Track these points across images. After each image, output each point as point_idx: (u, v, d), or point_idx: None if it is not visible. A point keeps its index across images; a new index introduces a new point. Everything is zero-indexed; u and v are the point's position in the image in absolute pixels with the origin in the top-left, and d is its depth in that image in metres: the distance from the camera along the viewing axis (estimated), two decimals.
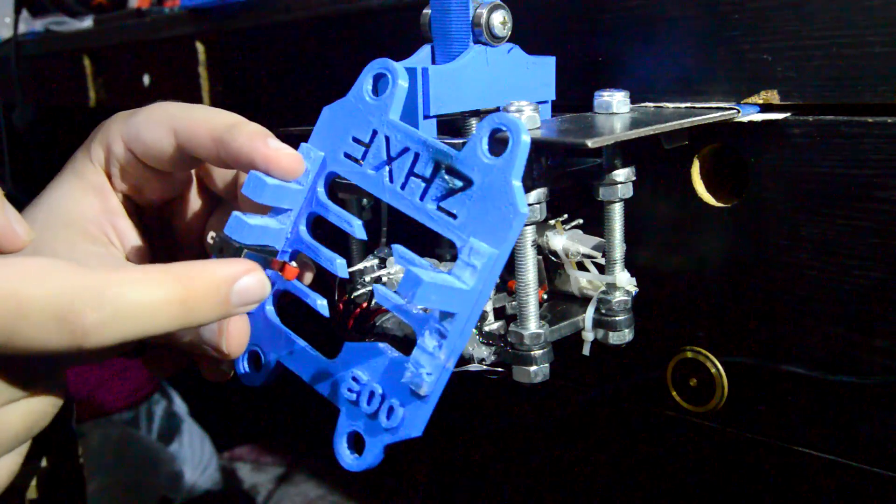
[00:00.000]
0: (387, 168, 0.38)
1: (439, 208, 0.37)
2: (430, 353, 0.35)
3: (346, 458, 0.37)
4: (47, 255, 0.30)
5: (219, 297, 0.32)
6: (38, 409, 0.33)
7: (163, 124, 0.41)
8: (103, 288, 0.29)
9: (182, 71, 0.92)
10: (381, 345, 0.37)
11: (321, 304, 0.39)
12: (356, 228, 0.39)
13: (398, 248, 0.36)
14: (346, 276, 0.40)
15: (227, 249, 0.38)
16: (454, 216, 0.36)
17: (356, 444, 0.37)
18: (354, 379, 0.37)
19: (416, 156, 0.38)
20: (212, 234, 0.40)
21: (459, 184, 0.36)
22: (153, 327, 0.30)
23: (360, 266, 0.51)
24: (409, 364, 0.35)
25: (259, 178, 0.39)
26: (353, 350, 0.38)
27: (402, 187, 0.38)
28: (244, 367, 0.42)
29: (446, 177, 0.37)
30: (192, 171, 0.47)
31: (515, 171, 0.35)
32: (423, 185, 0.37)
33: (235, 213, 0.39)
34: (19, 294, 0.28)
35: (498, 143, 0.36)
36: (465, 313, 0.34)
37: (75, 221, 0.43)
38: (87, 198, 0.44)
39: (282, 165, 0.39)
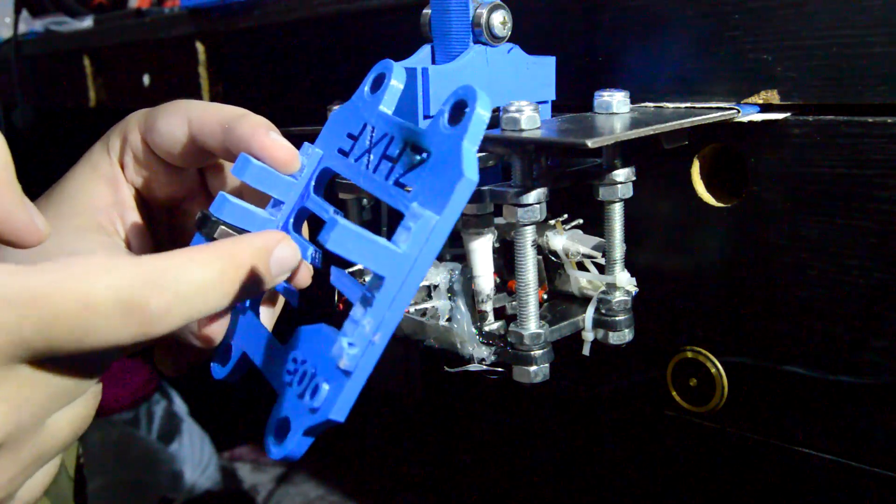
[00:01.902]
0: (367, 156, 0.39)
1: (396, 183, 0.36)
2: (356, 321, 0.32)
3: (269, 444, 0.34)
4: (79, 250, 0.30)
5: (262, 268, 0.33)
6: (83, 412, 0.33)
7: (178, 114, 0.44)
8: (161, 273, 0.30)
9: (182, 71, 0.92)
10: (327, 326, 0.35)
11: (293, 295, 0.40)
12: (329, 216, 0.40)
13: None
14: (318, 265, 0.41)
15: (206, 223, 0.39)
16: (409, 189, 0.35)
17: (284, 430, 0.34)
18: (294, 360, 0.35)
19: (392, 139, 0.37)
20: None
21: (419, 158, 0.35)
22: (211, 305, 0.31)
23: (360, 266, 0.51)
24: (337, 337, 0.32)
25: (245, 157, 0.40)
26: (301, 333, 0.36)
27: (375, 170, 0.38)
28: (215, 358, 0.42)
29: (410, 153, 0.36)
30: (201, 177, 0.48)
31: (469, 136, 0.33)
32: (390, 164, 0.37)
33: (221, 192, 0.40)
34: (85, 292, 0.28)
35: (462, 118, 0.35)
36: (395, 280, 0.32)
37: (86, 210, 0.44)
38: (100, 188, 0.45)
39: (275, 155, 0.40)
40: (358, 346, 0.31)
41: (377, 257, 0.32)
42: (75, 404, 0.32)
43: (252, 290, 0.33)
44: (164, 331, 0.30)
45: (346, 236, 0.31)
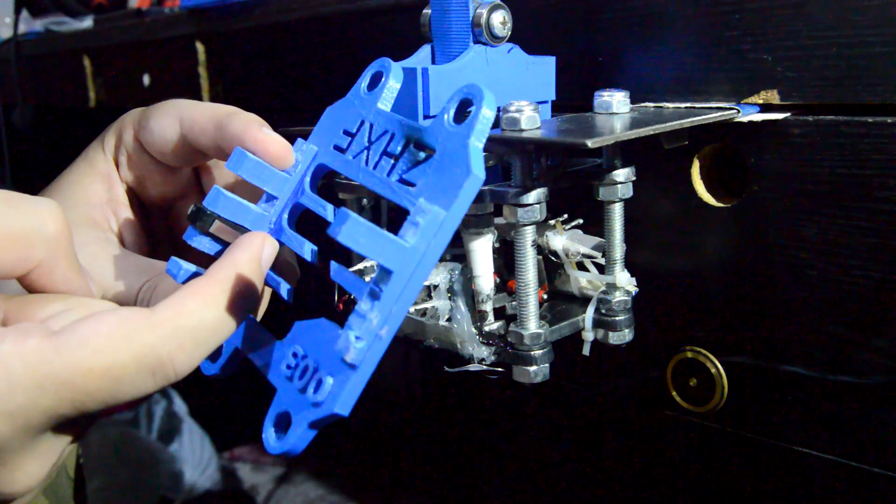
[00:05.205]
0: (365, 152, 0.39)
1: (401, 180, 0.36)
2: (363, 315, 0.32)
3: (269, 439, 0.34)
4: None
5: (257, 278, 0.35)
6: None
7: (170, 113, 0.44)
8: (178, 329, 0.32)
9: (182, 71, 0.92)
10: (326, 320, 0.35)
11: (286, 290, 0.40)
12: (329, 212, 0.40)
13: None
14: (316, 262, 0.41)
15: (200, 217, 0.39)
16: (413, 186, 0.35)
17: (285, 425, 0.34)
18: (294, 355, 0.35)
19: (392, 136, 0.38)
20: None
21: (423, 155, 0.36)
22: (224, 335, 0.34)
23: (359, 266, 0.51)
24: (343, 331, 0.32)
25: (241, 151, 0.40)
26: (299, 328, 0.36)
27: (375, 167, 0.38)
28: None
29: (413, 150, 0.36)
30: (196, 177, 0.48)
31: (475, 134, 0.34)
32: (392, 161, 0.37)
33: (216, 185, 0.40)
34: (113, 368, 0.30)
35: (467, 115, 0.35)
36: (403, 274, 0.32)
37: (80, 205, 0.45)
38: (95, 185, 0.46)
39: (269, 150, 0.41)
40: (365, 339, 0.32)
41: (386, 251, 0.32)
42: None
43: (253, 302, 0.35)
44: (186, 373, 0.32)
45: (357, 230, 0.31)
